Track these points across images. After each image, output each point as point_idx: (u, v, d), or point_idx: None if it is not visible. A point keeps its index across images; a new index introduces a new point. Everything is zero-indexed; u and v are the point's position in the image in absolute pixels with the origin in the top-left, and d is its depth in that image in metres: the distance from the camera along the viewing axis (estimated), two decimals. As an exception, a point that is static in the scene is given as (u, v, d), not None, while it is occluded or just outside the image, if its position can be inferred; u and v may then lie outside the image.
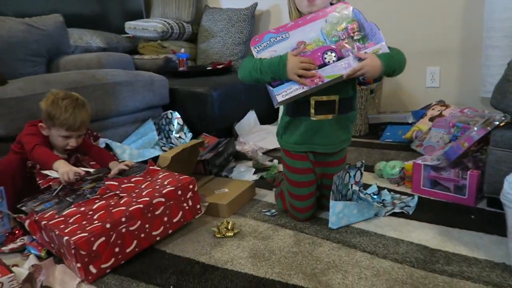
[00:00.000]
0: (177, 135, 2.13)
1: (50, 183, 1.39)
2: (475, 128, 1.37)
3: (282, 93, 1.15)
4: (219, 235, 1.31)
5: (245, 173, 1.87)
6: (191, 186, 1.31)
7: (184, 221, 1.31)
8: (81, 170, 1.35)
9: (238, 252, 1.20)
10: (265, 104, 2.28)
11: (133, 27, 3.01)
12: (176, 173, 1.37)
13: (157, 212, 1.21)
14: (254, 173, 1.88)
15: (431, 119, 2.09)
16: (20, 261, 1.21)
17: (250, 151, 2.14)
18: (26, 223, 1.24)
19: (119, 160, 1.80)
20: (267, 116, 2.67)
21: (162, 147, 2.03)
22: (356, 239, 1.23)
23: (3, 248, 1.27)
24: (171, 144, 2.09)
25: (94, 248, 1.06)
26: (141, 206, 1.17)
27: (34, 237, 1.23)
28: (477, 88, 2.36)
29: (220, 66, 2.81)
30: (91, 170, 1.45)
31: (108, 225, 1.09)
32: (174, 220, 1.27)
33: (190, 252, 1.22)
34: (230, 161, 1.98)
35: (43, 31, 2.37)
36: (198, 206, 1.35)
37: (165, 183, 1.30)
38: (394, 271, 1.05)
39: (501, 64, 1.86)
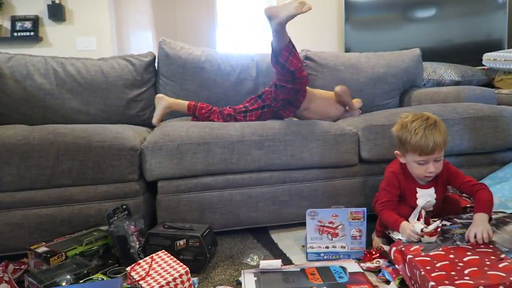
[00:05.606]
0: (549, 188, 1.73)
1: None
2: None
3: None
4: None
5: None
6: None
7: None
8: (415, 232, 1.25)
9: None
10: None
11: (493, 58, 2.74)
12: None
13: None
14: None
15: None
16: (377, 282, 1.27)
17: None
18: (392, 250, 1.29)
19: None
20: None
21: (530, 200, 1.69)
22: None
23: (361, 265, 1.37)
24: (539, 198, 1.72)
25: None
26: (528, 278, 0.97)
27: (397, 266, 1.25)
28: None
29: None
30: (436, 225, 1.26)
31: None
32: None
33: None
34: None
35: (401, 65, 2.52)
36: None
37: None
38: None
39: None
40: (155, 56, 2.25)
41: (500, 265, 1.04)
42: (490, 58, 2.76)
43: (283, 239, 1.64)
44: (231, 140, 1.64)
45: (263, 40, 3.95)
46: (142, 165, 1.61)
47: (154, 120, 1.96)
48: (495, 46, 3.03)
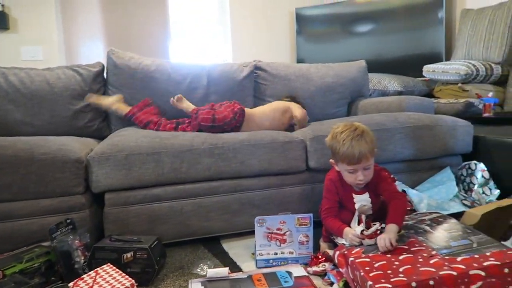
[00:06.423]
0: (481, 190, 1.87)
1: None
2: None
3: None
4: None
5: None
6: (523, 266, 1.08)
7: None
8: (356, 235, 1.31)
9: None
10: None
11: (432, 70, 2.93)
12: (504, 247, 1.16)
13: (473, 287, 1.05)
14: None
15: None
16: (322, 285, 1.31)
17: None
18: (336, 254, 1.34)
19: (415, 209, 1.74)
20: None
21: (463, 201, 1.82)
22: None
23: (308, 269, 1.41)
24: (472, 198, 1.85)
25: (395, 302, 1.02)
26: (455, 273, 1.05)
27: (340, 269, 1.30)
28: None
29: (540, 114, 2.33)
30: (376, 228, 1.32)
31: (413, 284, 1.03)
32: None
33: None
34: (556, 234, 1.55)
35: (348, 76, 2.63)
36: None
37: (487, 253, 1.12)
38: None
39: None
40: (104, 66, 2.21)
41: (431, 261, 1.12)
42: (429, 70, 2.95)
43: (234, 248, 1.65)
44: (181, 150, 1.64)
45: (216, 49, 3.99)
46: (88, 177, 1.57)
47: (93, 98, 2.06)
48: (435, 58, 3.23)
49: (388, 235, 1.25)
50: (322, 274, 1.39)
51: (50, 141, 1.61)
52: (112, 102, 2.08)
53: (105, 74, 2.22)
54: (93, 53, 3.48)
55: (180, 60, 3.15)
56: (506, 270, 1.07)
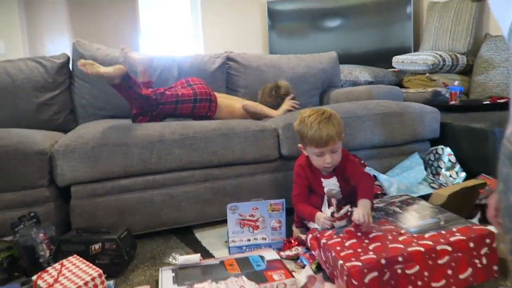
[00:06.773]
0: (448, 173, 1.92)
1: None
2: None
3: None
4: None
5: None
6: (488, 240, 1.11)
7: (474, 281, 1.11)
8: (328, 218, 1.30)
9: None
10: None
11: (401, 61, 2.99)
12: (470, 223, 1.19)
13: (440, 261, 1.07)
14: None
15: None
16: (295, 269, 1.31)
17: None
18: (308, 237, 1.34)
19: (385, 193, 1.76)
20: None
21: (431, 184, 1.86)
22: None
23: (281, 253, 1.41)
24: (439, 181, 1.90)
25: (366, 281, 1.03)
26: (422, 249, 1.07)
27: (313, 252, 1.30)
28: None
29: (502, 101, 2.41)
30: (346, 209, 1.31)
31: (383, 261, 1.04)
32: (461, 277, 1.09)
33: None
34: (518, 213, 1.61)
35: (319, 66, 2.65)
36: (495, 268, 1.12)
37: (454, 229, 1.15)
38: None
39: None
40: (69, 58, 2.14)
41: (400, 239, 1.13)
42: (398, 61, 3.00)
43: (206, 237, 1.63)
44: (151, 140, 1.60)
45: (187, 42, 3.95)
46: (52, 170, 1.51)
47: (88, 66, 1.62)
48: (404, 51, 3.29)
49: (362, 210, 1.23)
50: (295, 258, 1.39)
51: (11, 133, 1.54)
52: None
53: (70, 66, 2.15)
54: (59, 47, 3.36)
55: (150, 51, 3.08)
56: (471, 245, 1.09)
